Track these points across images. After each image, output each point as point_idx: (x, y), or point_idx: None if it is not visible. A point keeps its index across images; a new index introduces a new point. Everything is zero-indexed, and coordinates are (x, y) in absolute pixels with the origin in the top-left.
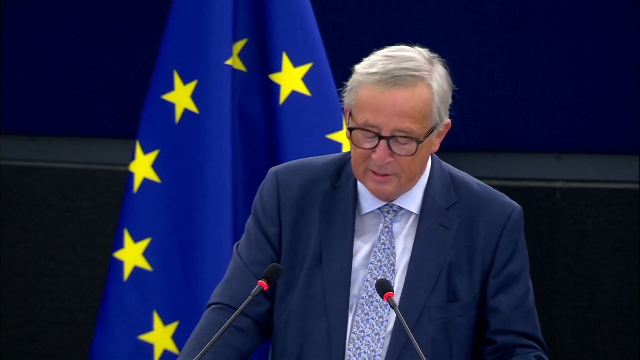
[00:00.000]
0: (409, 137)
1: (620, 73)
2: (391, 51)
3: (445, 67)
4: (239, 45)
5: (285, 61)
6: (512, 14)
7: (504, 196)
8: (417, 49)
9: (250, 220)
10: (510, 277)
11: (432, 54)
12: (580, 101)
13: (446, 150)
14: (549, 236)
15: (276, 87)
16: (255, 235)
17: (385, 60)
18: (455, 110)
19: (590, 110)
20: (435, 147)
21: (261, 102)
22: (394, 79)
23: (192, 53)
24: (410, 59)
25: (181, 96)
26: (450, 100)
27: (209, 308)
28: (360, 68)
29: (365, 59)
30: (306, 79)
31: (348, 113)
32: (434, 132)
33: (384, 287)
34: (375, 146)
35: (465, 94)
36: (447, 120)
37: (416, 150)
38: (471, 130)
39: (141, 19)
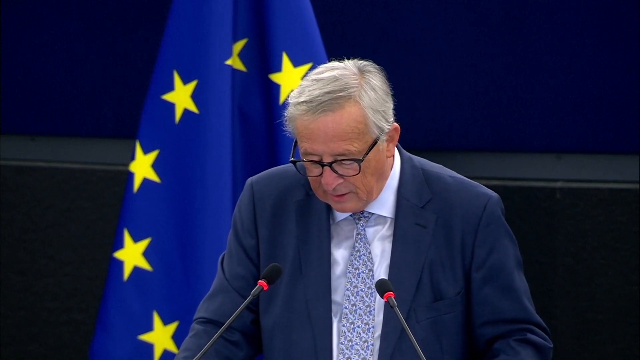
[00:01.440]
0: (349, 159)
1: (620, 73)
2: (319, 73)
3: (380, 74)
4: (239, 45)
5: (285, 61)
6: (512, 14)
7: (479, 186)
8: (347, 63)
9: (230, 234)
10: (493, 268)
11: (364, 64)
12: (580, 101)
13: (446, 150)
14: (549, 236)
15: (276, 87)
16: (235, 249)
17: (312, 85)
18: (456, 110)
19: (590, 110)
20: (390, 153)
21: (261, 102)
22: (320, 105)
23: (192, 53)
24: (336, 79)
25: (181, 96)
26: (389, 106)
27: (195, 322)
28: (292, 98)
29: (298, 85)
30: None
31: (294, 142)
32: (379, 143)
33: (384, 288)
34: (322, 172)
35: (465, 94)
36: (394, 125)
37: (360, 168)
38: (471, 130)
39: (141, 19)
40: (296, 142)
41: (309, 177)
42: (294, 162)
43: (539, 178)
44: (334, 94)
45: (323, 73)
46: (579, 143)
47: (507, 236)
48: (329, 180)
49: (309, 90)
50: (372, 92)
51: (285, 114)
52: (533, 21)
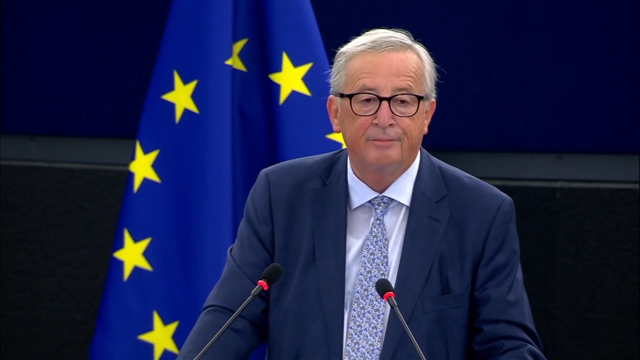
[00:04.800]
0: (410, 94)
1: (620, 73)
2: (372, 32)
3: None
4: (239, 45)
5: (285, 61)
6: (512, 14)
7: (494, 189)
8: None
9: (242, 224)
10: (498, 267)
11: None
12: (580, 101)
13: (446, 150)
14: (548, 236)
15: (276, 87)
16: (248, 237)
17: (371, 36)
18: (456, 110)
19: (590, 110)
20: (425, 128)
21: (261, 102)
22: (385, 43)
23: (192, 53)
24: (394, 35)
25: (181, 96)
26: (435, 78)
27: (205, 311)
28: (348, 47)
29: (352, 40)
30: (306, 79)
31: (338, 96)
32: (427, 102)
33: (384, 288)
34: (377, 110)
35: (465, 94)
36: (434, 99)
37: (417, 109)
38: (471, 130)
39: (141, 19)
40: (341, 94)
41: (356, 121)
42: (350, 96)
43: (539, 178)
44: (397, 39)
45: (377, 33)
46: (579, 143)
47: (514, 239)
48: (385, 114)
49: (369, 38)
50: (426, 56)
51: (335, 66)
52: (533, 21)
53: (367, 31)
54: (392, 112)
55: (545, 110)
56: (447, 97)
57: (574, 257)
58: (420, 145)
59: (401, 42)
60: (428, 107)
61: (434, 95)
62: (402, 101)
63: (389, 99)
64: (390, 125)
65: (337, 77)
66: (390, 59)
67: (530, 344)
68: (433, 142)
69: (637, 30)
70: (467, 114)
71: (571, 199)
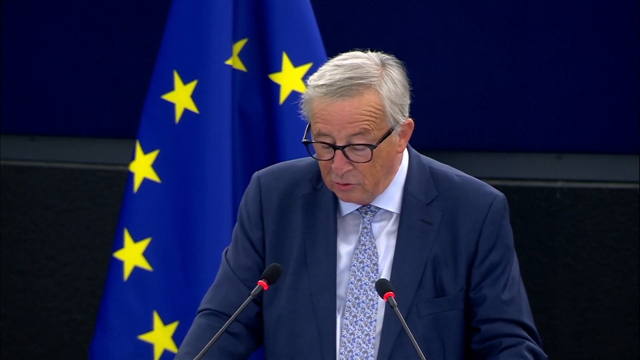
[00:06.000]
0: (363, 144)
1: (620, 73)
2: (341, 60)
3: (401, 68)
4: (239, 45)
5: (285, 61)
6: (512, 14)
7: (486, 186)
8: (369, 54)
9: (236, 227)
10: (492, 265)
11: (386, 57)
12: (580, 101)
13: (446, 150)
14: (548, 236)
15: (276, 87)
16: (241, 241)
17: (333, 70)
18: (456, 110)
19: (590, 110)
20: (401, 148)
21: (261, 102)
22: (339, 89)
23: (192, 53)
24: (358, 67)
25: (181, 96)
26: (407, 101)
27: (200, 314)
28: (311, 80)
29: (319, 69)
30: (306, 79)
31: (307, 125)
32: (392, 134)
33: (383, 287)
34: (333, 157)
35: (465, 94)
36: (408, 120)
37: (372, 155)
38: (471, 130)
39: (141, 19)
40: (309, 126)
41: (319, 162)
42: (306, 144)
43: (539, 178)
44: (354, 80)
45: (345, 60)
46: (579, 143)
47: (508, 236)
48: (339, 164)
49: (330, 74)
50: (391, 84)
51: (303, 96)
52: (533, 21)
53: (341, 54)
54: (348, 158)
55: (545, 110)
56: (447, 97)
57: (574, 257)
58: (398, 162)
59: (358, 83)
60: (401, 130)
61: (404, 118)
62: (358, 147)
63: (342, 147)
64: (348, 170)
65: (304, 109)
66: (342, 108)
67: (529, 340)
68: (433, 142)
69: (637, 30)
70: (467, 114)
71: (571, 199)
